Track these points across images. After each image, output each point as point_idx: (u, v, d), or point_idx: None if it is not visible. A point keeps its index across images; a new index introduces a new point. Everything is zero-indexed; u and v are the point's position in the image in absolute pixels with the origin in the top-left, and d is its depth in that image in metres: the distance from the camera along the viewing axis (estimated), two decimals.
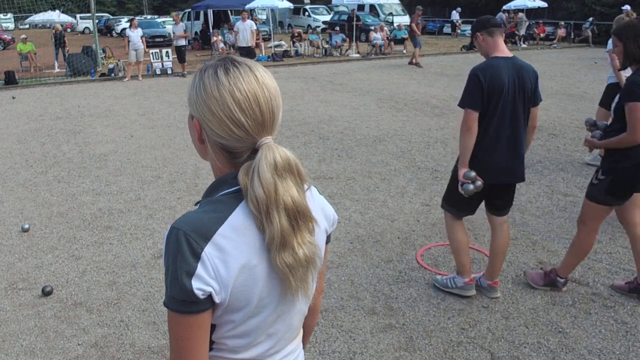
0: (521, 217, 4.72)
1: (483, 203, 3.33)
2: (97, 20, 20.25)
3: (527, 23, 23.21)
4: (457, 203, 3.28)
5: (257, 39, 19.90)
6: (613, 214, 3.26)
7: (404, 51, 19.93)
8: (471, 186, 3.05)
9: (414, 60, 16.24)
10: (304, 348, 1.27)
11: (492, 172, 3.09)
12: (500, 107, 2.99)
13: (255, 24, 21.70)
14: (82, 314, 3.38)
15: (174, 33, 14.97)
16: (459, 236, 3.35)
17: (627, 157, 3.03)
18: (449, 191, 3.34)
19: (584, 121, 3.43)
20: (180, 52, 14.72)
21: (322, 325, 3.19)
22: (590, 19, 23.28)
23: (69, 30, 31.95)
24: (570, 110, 9.19)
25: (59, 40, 16.50)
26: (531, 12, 24.76)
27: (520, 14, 23.07)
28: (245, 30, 14.33)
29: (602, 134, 3.21)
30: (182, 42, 14.64)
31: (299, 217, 1.01)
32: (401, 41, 20.53)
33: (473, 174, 3.05)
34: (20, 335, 3.17)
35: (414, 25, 16.00)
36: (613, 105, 3.15)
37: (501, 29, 3.10)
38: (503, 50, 3.07)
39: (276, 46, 19.17)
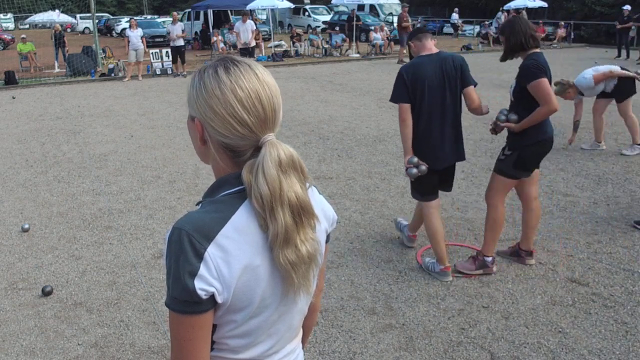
0: (521, 217, 4.71)
1: None
2: (97, 20, 20.24)
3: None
4: (418, 189, 3.66)
5: (257, 39, 19.93)
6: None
7: (405, 51, 19.93)
8: (414, 170, 3.44)
9: (402, 59, 16.64)
10: (303, 348, 1.27)
11: (430, 156, 3.49)
12: (427, 97, 3.43)
13: (255, 24, 21.72)
14: (82, 314, 3.38)
15: (169, 33, 14.92)
16: (434, 224, 3.64)
17: (531, 134, 3.44)
18: (410, 183, 3.74)
19: (500, 112, 3.64)
20: (180, 53, 14.70)
21: (322, 325, 3.19)
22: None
23: (69, 30, 31.95)
24: (570, 110, 9.17)
25: (59, 40, 16.49)
26: (531, 12, 24.74)
27: (523, 12, 23.07)
28: (246, 31, 14.36)
29: (514, 116, 3.51)
30: (181, 42, 14.61)
31: (303, 213, 1.01)
32: (401, 42, 20.50)
33: (415, 159, 3.45)
34: (20, 335, 3.17)
35: (408, 24, 16.28)
36: (511, 90, 3.58)
37: (428, 33, 3.64)
38: (430, 49, 3.54)
39: (276, 46, 19.17)
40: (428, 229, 3.67)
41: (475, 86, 3.51)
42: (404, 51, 16.75)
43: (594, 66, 6.66)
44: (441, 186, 3.70)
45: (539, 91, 3.35)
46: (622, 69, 6.45)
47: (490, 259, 3.70)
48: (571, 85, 6.52)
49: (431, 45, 3.55)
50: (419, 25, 16.90)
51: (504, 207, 3.68)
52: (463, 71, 3.46)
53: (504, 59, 3.58)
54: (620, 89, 6.39)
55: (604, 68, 6.45)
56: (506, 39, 3.50)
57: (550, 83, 3.39)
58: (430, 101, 3.44)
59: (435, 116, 3.46)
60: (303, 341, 1.28)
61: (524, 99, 3.46)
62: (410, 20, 17.42)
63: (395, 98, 3.50)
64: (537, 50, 3.48)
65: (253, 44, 14.89)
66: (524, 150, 3.50)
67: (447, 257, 3.68)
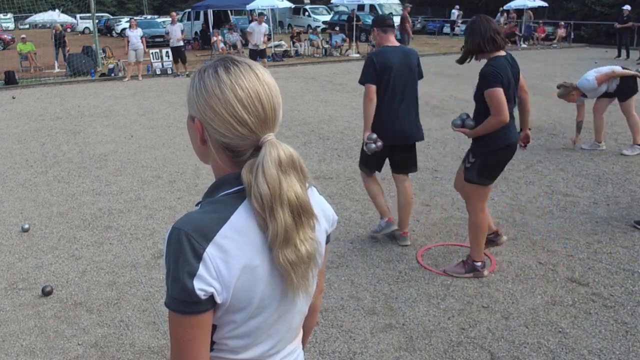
0: (521, 217, 4.72)
1: None
2: (97, 20, 20.25)
3: (531, 22, 23.24)
4: (367, 163, 4.10)
5: None
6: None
7: None
8: (373, 145, 3.84)
9: None
10: (303, 348, 1.27)
11: (389, 134, 3.91)
12: (391, 82, 3.85)
13: None
14: (82, 314, 3.38)
15: (167, 33, 14.90)
16: (373, 187, 4.17)
17: (494, 141, 3.42)
18: (361, 155, 4.13)
19: (458, 116, 3.67)
20: (180, 54, 14.69)
21: (322, 325, 3.19)
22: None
23: (69, 30, 31.94)
24: (570, 110, 9.18)
25: (59, 40, 16.48)
26: (523, 13, 24.73)
27: (529, 12, 23.13)
28: (259, 33, 14.13)
29: (471, 122, 3.52)
30: (181, 43, 14.60)
31: (302, 213, 1.01)
32: (401, 41, 20.51)
33: (374, 135, 3.87)
34: (20, 335, 3.17)
35: (409, 24, 16.36)
36: (473, 93, 3.55)
37: (393, 28, 4.06)
38: (392, 42, 4.01)
39: (276, 46, 19.17)
40: (369, 192, 4.21)
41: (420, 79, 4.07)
42: None
43: (595, 67, 6.68)
44: (400, 166, 4.10)
45: (491, 100, 3.30)
46: (623, 68, 6.46)
47: (479, 263, 3.68)
48: (574, 88, 6.52)
49: (393, 39, 4.03)
50: (394, 22, 17.14)
51: (485, 213, 3.64)
52: (419, 65, 4.04)
53: (461, 61, 3.55)
54: (623, 88, 6.40)
55: (606, 69, 6.45)
56: (465, 40, 3.48)
57: (509, 91, 3.32)
58: (395, 86, 3.87)
59: (397, 99, 3.89)
60: (303, 342, 1.28)
61: (483, 105, 3.40)
62: (410, 20, 17.50)
63: (364, 80, 3.89)
64: (499, 53, 3.40)
65: (263, 46, 14.68)
66: (487, 157, 3.48)
67: (390, 211, 4.19)
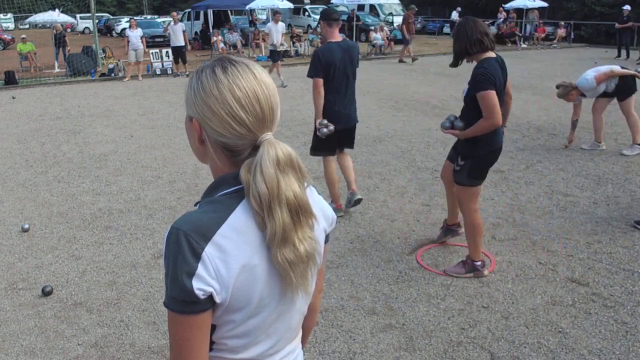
0: (521, 217, 4.71)
1: None
2: (97, 20, 20.25)
3: (537, 22, 23.25)
4: (320, 147, 4.60)
5: (257, 39, 19.94)
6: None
7: (406, 52, 19.92)
8: (325, 130, 4.38)
9: (403, 57, 17.12)
10: (302, 348, 1.27)
11: (339, 119, 4.46)
12: (335, 75, 4.36)
13: (255, 23, 21.73)
14: (82, 314, 3.38)
15: (169, 33, 14.86)
16: (332, 176, 4.66)
17: (485, 144, 3.46)
18: (313, 143, 4.63)
19: (447, 117, 3.69)
20: (181, 54, 14.68)
21: (322, 325, 3.19)
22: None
23: (69, 30, 31.94)
24: (570, 111, 9.18)
25: (60, 40, 16.48)
26: (528, 13, 24.73)
27: (535, 12, 23.14)
28: (277, 32, 13.51)
29: (460, 123, 3.54)
30: (182, 43, 14.59)
31: (301, 212, 1.01)
32: (401, 41, 20.50)
33: (325, 121, 4.41)
34: (20, 335, 3.17)
35: (404, 27, 16.54)
36: (463, 94, 3.60)
37: (338, 22, 4.48)
38: (336, 37, 4.45)
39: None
40: (329, 179, 4.68)
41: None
42: (406, 52, 16.92)
43: (594, 66, 6.67)
44: (346, 144, 4.73)
45: (484, 103, 3.29)
46: (622, 67, 6.45)
47: (479, 263, 3.69)
48: (574, 87, 6.51)
49: (337, 34, 4.48)
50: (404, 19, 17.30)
51: (478, 213, 3.67)
52: (358, 59, 4.59)
53: (453, 64, 3.55)
54: (622, 88, 6.40)
55: (605, 68, 6.45)
56: (453, 43, 3.48)
57: (500, 93, 3.31)
58: (339, 79, 4.39)
59: (342, 90, 4.44)
60: (303, 342, 1.28)
61: (475, 107, 3.40)
62: (413, 22, 17.60)
63: (312, 74, 4.38)
64: (490, 55, 3.39)
65: (282, 48, 14.20)
66: (478, 159, 3.50)
67: (340, 198, 4.76)
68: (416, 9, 17.71)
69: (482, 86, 3.27)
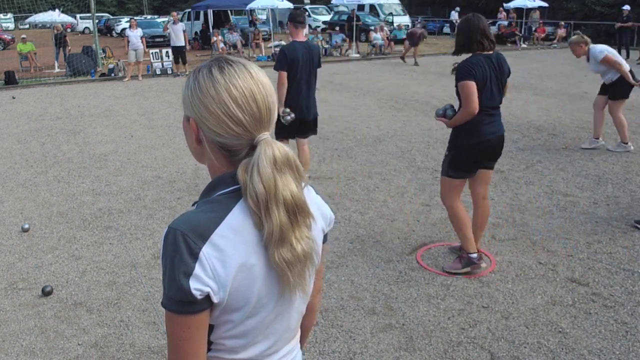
0: (521, 217, 4.71)
1: None
2: (97, 20, 20.25)
3: (538, 22, 23.29)
4: (288, 132, 5.03)
5: (256, 39, 19.94)
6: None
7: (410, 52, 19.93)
8: (288, 117, 4.87)
9: (405, 55, 17.09)
10: (301, 348, 1.27)
11: (298, 108, 4.98)
12: (298, 72, 4.92)
13: (255, 23, 21.72)
14: (82, 314, 3.38)
15: (169, 33, 14.87)
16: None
17: (465, 136, 3.54)
18: (277, 128, 4.83)
19: (444, 105, 3.79)
20: (181, 53, 14.68)
21: (322, 325, 3.19)
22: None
23: (69, 30, 31.95)
24: (570, 110, 9.19)
25: (60, 40, 16.48)
26: (531, 12, 24.73)
27: (537, 12, 23.16)
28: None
29: (451, 112, 3.63)
30: (182, 42, 14.59)
31: (298, 211, 1.01)
32: (401, 41, 20.50)
33: (288, 110, 4.90)
34: (20, 335, 3.17)
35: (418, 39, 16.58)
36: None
37: (304, 24, 5.21)
38: (301, 37, 5.10)
39: (276, 46, 19.15)
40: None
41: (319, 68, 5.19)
42: (409, 52, 16.93)
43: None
44: (310, 131, 5.27)
45: (462, 92, 3.45)
46: (631, 72, 6.40)
47: (474, 255, 3.71)
48: (587, 44, 6.48)
49: (302, 35, 5.14)
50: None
51: (460, 204, 3.72)
52: (320, 58, 5.24)
53: (455, 53, 3.66)
54: (618, 88, 6.41)
55: (619, 57, 6.46)
56: (456, 35, 3.65)
57: (484, 86, 3.41)
58: (301, 74, 4.95)
59: (302, 84, 4.98)
60: (301, 342, 1.28)
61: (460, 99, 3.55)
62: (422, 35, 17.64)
63: (278, 67, 4.94)
64: (483, 52, 3.48)
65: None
66: (458, 151, 3.60)
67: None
68: (424, 23, 17.81)
69: (461, 76, 3.44)
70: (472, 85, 3.40)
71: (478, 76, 3.41)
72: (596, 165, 6.19)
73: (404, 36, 20.25)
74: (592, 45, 6.47)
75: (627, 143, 6.66)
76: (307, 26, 5.48)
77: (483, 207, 3.84)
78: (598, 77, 6.81)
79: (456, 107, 3.63)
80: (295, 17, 5.16)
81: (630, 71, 6.41)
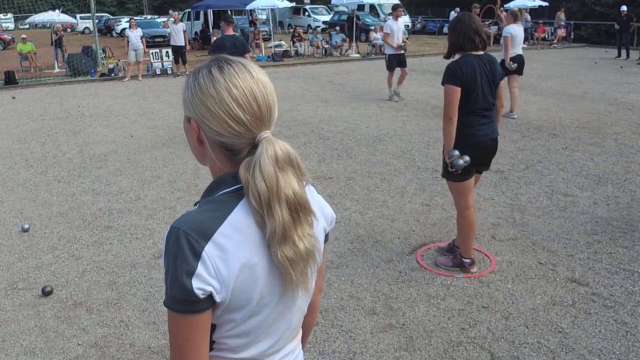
0: (521, 217, 4.71)
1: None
2: (97, 20, 20.24)
3: (530, 23, 23.27)
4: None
5: (257, 39, 19.94)
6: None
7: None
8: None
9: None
10: (302, 348, 1.27)
11: None
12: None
13: (255, 23, 21.72)
14: (82, 314, 3.38)
15: (169, 33, 14.87)
16: None
17: (458, 140, 3.50)
18: None
19: None
20: (181, 53, 14.68)
21: (322, 325, 3.19)
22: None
23: (68, 30, 31.95)
24: (570, 110, 9.19)
25: (58, 42, 16.50)
26: (531, 12, 24.72)
27: (526, 14, 23.14)
28: (399, 31, 10.45)
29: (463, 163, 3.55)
30: (182, 42, 14.60)
31: (300, 209, 1.01)
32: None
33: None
34: (20, 335, 3.17)
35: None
36: None
37: (232, 23, 7.04)
38: (230, 32, 6.80)
39: (276, 46, 19.16)
40: None
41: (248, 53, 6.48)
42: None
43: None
44: None
45: (444, 95, 3.44)
46: (517, 58, 8.24)
47: (468, 260, 3.73)
48: (515, 20, 8.43)
49: (230, 30, 6.85)
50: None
51: (470, 210, 3.64)
52: (245, 47, 6.78)
53: (446, 56, 3.64)
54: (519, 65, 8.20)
55: (519, 29, 8.43)
56: (448, 36, 3.56)
57: (473, 90, 3.36)
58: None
59: None
60: (303, 341, 1.28)
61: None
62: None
63: (211, 52, 5.67)
64: (477, 52, 3.44)
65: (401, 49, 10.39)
66: None
67: None
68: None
69: (445, 79, 3.42)
70: (455, 91, 3.36)
71: (466, 79, 3.35)
72: (596, 165, 6.19)
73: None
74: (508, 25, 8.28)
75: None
76: (234, 23, 7.50)
77: (468, 215, 3.68)
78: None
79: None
80: (227, 19, 7.05)
81: (514, 57, 8.16)
